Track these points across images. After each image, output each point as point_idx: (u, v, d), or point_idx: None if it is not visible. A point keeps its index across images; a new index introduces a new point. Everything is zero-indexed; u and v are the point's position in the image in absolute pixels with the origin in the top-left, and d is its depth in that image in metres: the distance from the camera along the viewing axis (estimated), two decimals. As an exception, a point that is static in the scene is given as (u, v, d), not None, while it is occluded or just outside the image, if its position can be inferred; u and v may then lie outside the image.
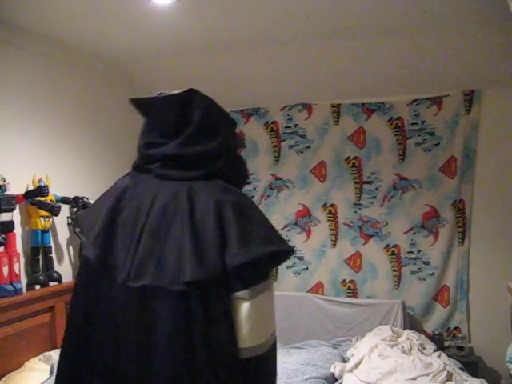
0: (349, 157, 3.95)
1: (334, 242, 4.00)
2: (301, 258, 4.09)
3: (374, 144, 3.87)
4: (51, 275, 3.07)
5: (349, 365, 3.06)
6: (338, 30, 3.15)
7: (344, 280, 3.97)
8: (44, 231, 3.05)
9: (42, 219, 3.02)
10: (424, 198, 3.76)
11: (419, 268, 3.77)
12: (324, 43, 3.37)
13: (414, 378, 2.82)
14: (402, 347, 3.17)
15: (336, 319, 3.78)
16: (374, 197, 3.89)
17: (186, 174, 1.07)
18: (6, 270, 2.74)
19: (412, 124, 3.78)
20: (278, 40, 3.33)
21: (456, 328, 3.69)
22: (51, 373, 2.61)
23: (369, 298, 3.88)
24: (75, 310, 1.12)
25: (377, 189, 3.88)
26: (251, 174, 4.19)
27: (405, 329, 3.52)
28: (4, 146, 2.89)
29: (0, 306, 2.62)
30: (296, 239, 4.10)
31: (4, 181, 2.77)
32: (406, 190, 3.81)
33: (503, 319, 3.21)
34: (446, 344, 3.60)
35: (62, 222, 3.25)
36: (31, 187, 3.01)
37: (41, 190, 2.94)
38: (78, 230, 3.14)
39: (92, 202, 3.03)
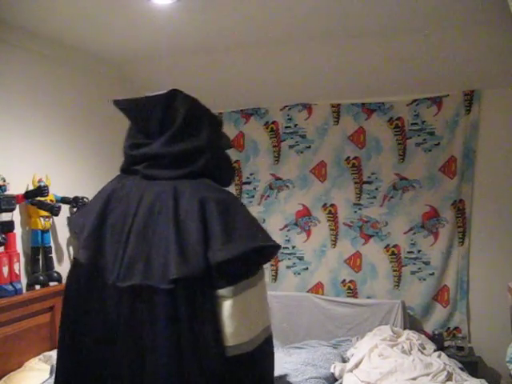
0: (349, 157, 3.95)
1: (334, 242, 4.00)
2: (301, 258, 4.08)
3: (373, 144, 3.87)
4: (51, 275, 3.07)
5: (349, 365, 3.06)
6: (338, 30, 3.15)
7: (344, 280, 3.97)
8: (44, 231, 3.05)
9: (42, 219, 3.02)
10: (424, 198, 3.76)
11: (419, 268, 3.77)
12: (324, 43, 3.37)
13: (414, 378, 2.82)
14: (402, 347, 3.17)
15: (336, 319, 3.78)
16: (374, 197, 3.89)
17: (171, 174, 1.08)
18: (5, 269, 2.74)
19: (412, 124, 3.78)
20: (278, 40, 3.33)
21: (456, 328, 3.69)
22: (51, 373, 2.61)
23: (369, 298, 3.88)
24: (67, 311, 1.13)
25: (377, 189, 3.88)
26: (251, 174, 4.20)
27: (405, 329, 3.52)
28: (4, 146, 2.89)
29: (0, 306, 2.62)
30: (296, 239, 4.10)
31: (4, 181, 2.77)
32: (406, 190, 3.81)
33: (503, 319, 3.20)
34: (446, 344, 3.60)
35: (61, 222, 3.25)
36: (31, 187, 3.01)
37: (41, 190, 2.94)
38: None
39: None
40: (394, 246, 3.84)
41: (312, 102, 4.02)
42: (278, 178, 4.14)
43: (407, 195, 3.80)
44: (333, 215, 4.00)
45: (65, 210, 3.19)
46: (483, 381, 2.83)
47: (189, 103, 1.11)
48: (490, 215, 3.62)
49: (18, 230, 2.92)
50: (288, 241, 4.11)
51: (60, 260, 3.27)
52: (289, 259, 4.11)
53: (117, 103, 1.16)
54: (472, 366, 3.31)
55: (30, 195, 2.94)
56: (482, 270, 3.64)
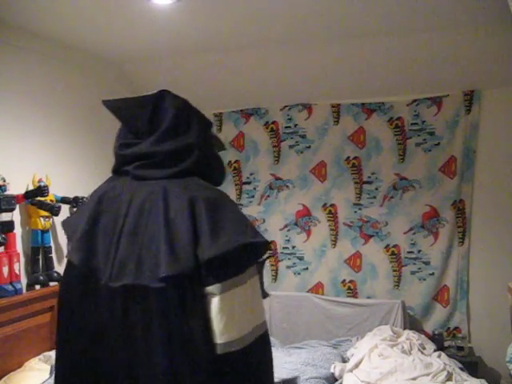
0: (349, 157, 3.95)
1: (334, 242, 4.00)
2: (301, 258, 4.08)
3: (373, 144, 3.87)
4: (51, 275, 3.07)
5: (349, 365, 3.06)
6: (338, 30, 3.15)
7: (344, 280, 3.97)
8: (44, 231, 3.05)
9: (42, 219, 3.02)
10: (424, 198, 3.76)
11: (419, 268, 3.77)
12: (324, 43, 3.37)
13: (414, 378, 2.82)
14: (402, 347, 3.17)
15: (336, 319, 3.78)
16: (374, 197, 3.89)
17: (161, 173, 1.09)
18: (5, 269, 2.74)
19: (412, 124, 3.78)
20: (278, 40, 3.33)
21: (456, 328, 3.69)
22: (51, 373, 2.61)
23: (369, 298, 3.88)
24: (62, 313, 1.14)
25: (377, 189, 3.88)
26: (251, 174, 4.20)
27: (405, 329, 3.52)
28: (4, 145, 2.89)
29: (0, 306, 2.62)
30: (296, 239, 4.10)
31: (4, 181, 2.77)
32: (406, 190, 3.81)
33: (503, 319, 3.20)
34: (446, 344, 3.60)
35: (61, 222, 3.25)
36: (31, 187, 3.01)
37: (41, 190, 2.94)
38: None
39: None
40: (394, 245, 3.84)
41: (312, 101, 4.02)
42: (277, 178, 4.14)
43: (407, 195, 3.80)
44: (333, 215, 4.00)
45: (65, 210, 3.19)
46: (483, 381, 2.83)
47: (178, 103, 1.12)
48: (490, 215, 3.62)
49: (18, 230, 2.92)
50: (288, 241, 4.11)
51: (60, 260, 3.26)
52: (289, 259, 4.11)
53: (106, 103, 1.17)
54: (472, 366, 3.31)
55: (30, 195, 2.94)
56: (482, 270, 3.64)
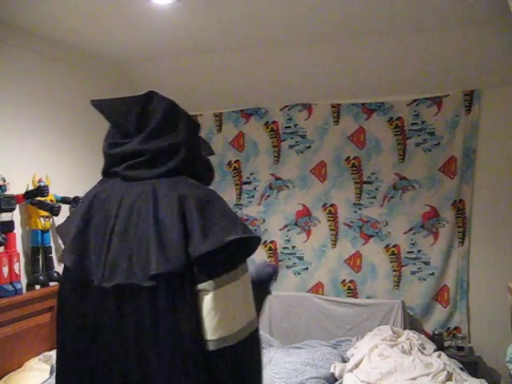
0: (349, 157, 3.95)
1: (334, 242, 4.00)
2: (301, 258, 4.08)
3: (373, 144, 3.87)
4: (51, 275, 3.07)
5: (349, 365, 3.06)
6: (338, 30, 3.15)
7: (344, 280, 3.97)
8: (44, 231, 3.05)
9: (41, 219, 3.02)
10: (424, 198, 3.76)
11: (419, 268, 3.77)
12: (324, 43, 3.37)
13: (414, 378, 2.82)
14: (402, 347, 3.17)
15: (336, 319, 3.78)
16: (374, 197, 3.89)
17: (150, 173, 1.10)
18: (5, 270, 2.74)
19: (412, 124, 3.78)
20: (278, 40, 3.33)
21: (456, 328, 3.69)
22: (51, 373, 2.61)
23: (369, 298, 3.88)
24: (61, 314, 1.15)
25: (377, 189, 3.88)
26: (251, 174, 4.20)
27: (405, 329, 3.52)
28: (4, 145, 2.89)
29: (0, 306, 2.62)
30: (296, 239, 4.10)
31: (4, 181, 2.77)
32: (406, 189, 3.81)
33: (503, 319, 3.21)
34: (446, 344, 3.60)
35: (62, 222, 3.25)
36: (31, 187, 3.01)
37: (41, 190, 2.95)
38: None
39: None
40: (394, 245, 3.84)
41: (312, 101, 4.02)
42: (277, 178, 4.14)
43: (407, 195, 3.80)
44: (333, 215, 4.00)
45: (65, 209, 3.19)
46: (483, 381, 2.83)
47: (166, 104, 1.14)
48: (489, 215, 3.62)
49: (18, 230, 2.93)
50: (288, 241, 4.11)
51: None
52: (289, 259, 4.11)
53: (94, 103, 1.18)
54: (472, 366, 3.31)
55: (29, 195, 2.94)
56: (482, 270, 3.64)
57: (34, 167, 3.07)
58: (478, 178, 3.65)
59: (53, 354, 2.81)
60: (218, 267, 1.01)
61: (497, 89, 3.56)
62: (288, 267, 4.11)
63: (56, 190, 3.15)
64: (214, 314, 1.00)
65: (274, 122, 4.13)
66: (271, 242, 4.14)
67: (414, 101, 3.76)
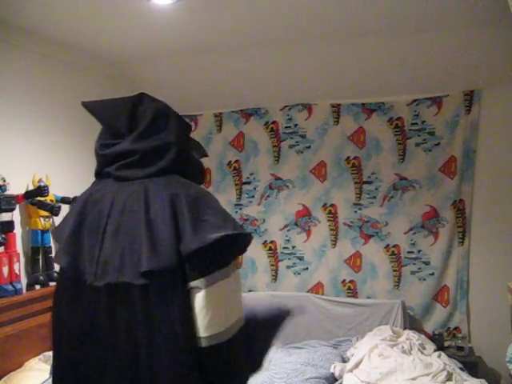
0: (349, 157, 3.95)
1: (334, 242, 4.00)
2: (301, 258, 4.08)
3: (374, 144, 3.87)
4: (51, 275, 3.07)
5: (349, 365, 3.06)
6: (339, 30, 3.15)
7: (344, 280, 3.97)
8: (44, 231, 3.05)
9: (42, 219, 3.02)
10: (424, 198, 3.76)
11: (419, 268, 3.77)
12: (324, 43, 3.37)
13: (414, 378, 2.82)
14: (402, 347, 3.17)
15: (336, 319, 3.78)
16: (374, 197, 3.89)
17: (141, 173, 1.12)
18: (5, 269, 2.74)
19: (412, 124, 3.78)
20: (278, 40, 3.33)
21: (456, 328, 3.69)
22: (51, 373, 2.61)
23: (369, 298, 3.88)
24: (56, 314, 1.16)
25: (377, 189, 3.88)
26: (251, 174, 4.19)
27: (405, 329, 3.52)
28: (4, 145, 2.89)
29: (0, 306, 2.62)
30: (296, 239, 4.10)
31: (4, 181, 2.77)
32: (406, 189, 3.81)
33: (503, 319, 3.20)
34: (446, 344, 3.60)
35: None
36: (31, 187, 3.01)
37: (41, 190, 2.95)
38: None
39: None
40: (394, 245, 3.84)
41: (312, 101, 4.02)
42: (277, 178, 4.14)
43: (407, 195, 3.80)
44: (333, 215, 4.00)
45: (65, 209, 3.19)
46: (483, 381, 2.83)
47: (156, 105, 1.15)
48: (489, 215, 3.62)
49: (18, 230, 2.93)
50: (288, 241, 4.11)
51: (60, 260, 3.26)
52: (289, 259, 4.11)
53: (85, 105, 1.20)
54: (472, 366, 3.31)
55: (29, 195, 2.94)
56: (482, 270, 3.64)
57: (34, 167, 3.07)
58: (477, 178, 3.65)
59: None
60: (210, 265, 1.02)
61: (497, 89, 3.56)
62: (288, 267, 4.11)
63: (56, 190, 3.15)
64: (206, 311, 1.01)
65: (273, 122, 4.13)
66: (271, 241, 4.14)
67: (414, 101, 3.76)
